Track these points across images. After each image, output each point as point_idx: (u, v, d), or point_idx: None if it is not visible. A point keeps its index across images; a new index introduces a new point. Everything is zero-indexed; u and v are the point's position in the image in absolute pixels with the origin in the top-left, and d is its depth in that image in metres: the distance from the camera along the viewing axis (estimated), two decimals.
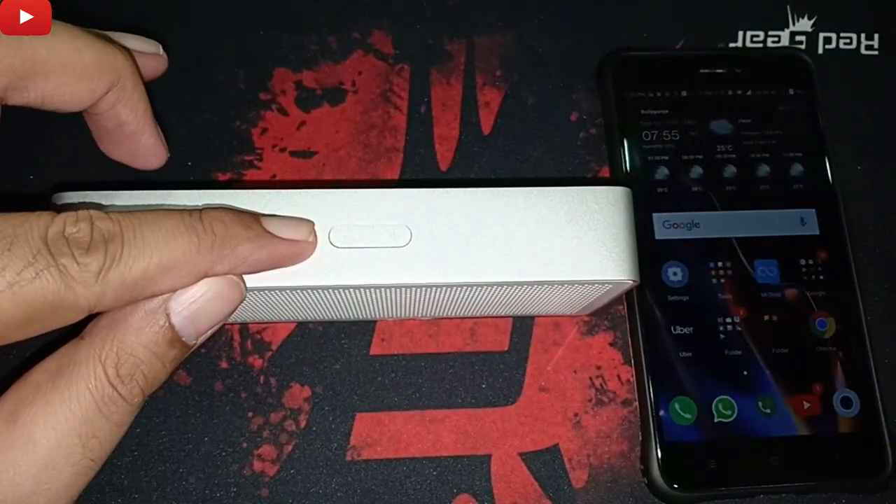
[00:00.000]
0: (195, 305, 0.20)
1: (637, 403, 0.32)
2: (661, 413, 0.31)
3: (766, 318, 0.33)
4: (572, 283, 0.23)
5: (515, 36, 0.38)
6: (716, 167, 0.35)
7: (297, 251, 0.22)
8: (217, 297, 0.20)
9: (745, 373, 0.32)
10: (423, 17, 0.38)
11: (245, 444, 0.31)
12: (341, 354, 0.33)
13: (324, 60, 0.37)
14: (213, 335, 0.22)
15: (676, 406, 0.32)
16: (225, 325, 0.32)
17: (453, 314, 0.30)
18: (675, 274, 0.33)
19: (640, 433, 0.32)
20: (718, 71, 0.37)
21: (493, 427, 0.32)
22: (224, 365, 0.32)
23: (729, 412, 0.32)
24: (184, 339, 0.21)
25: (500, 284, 0.23)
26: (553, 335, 0.33)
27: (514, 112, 0.37)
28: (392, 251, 0.22)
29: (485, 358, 0.33)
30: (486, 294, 0.25)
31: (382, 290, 0.23)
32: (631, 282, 0.24)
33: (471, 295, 0.25)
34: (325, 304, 0.26)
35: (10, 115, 0.26)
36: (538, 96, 0.37)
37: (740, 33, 0.38)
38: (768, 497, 0.31)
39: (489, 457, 0.32)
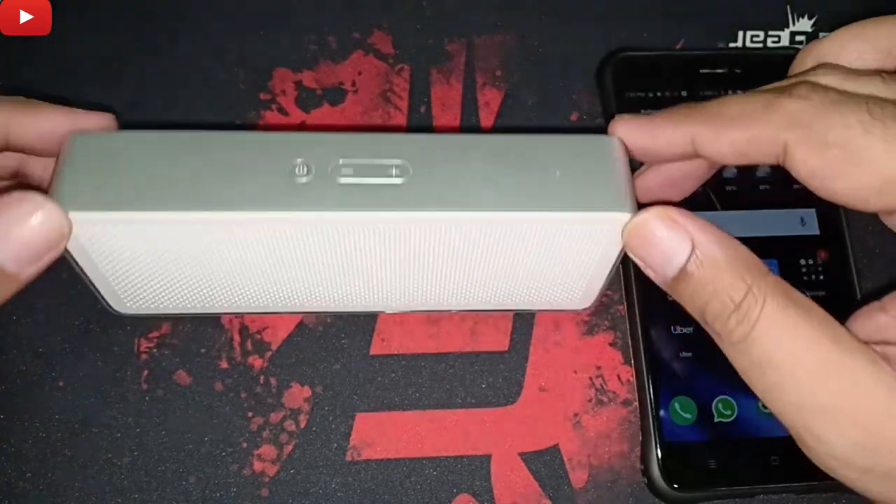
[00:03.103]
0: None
1: (637, 403, 0.32)
2: (661, 413, 0.31)
3: None
4: (571, 219, 0.23)
5: (515, 36, 0.38)
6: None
7: (95, 120, 0.24)
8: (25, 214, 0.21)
9: None
10: (423, 17, 0.38)
11: (245, 444, 0.31)
12: (341, 354, 0.33)
13: (324, 60, 0.37)
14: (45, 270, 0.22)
15: (676, 406, 0.32)
16: (225, 325, 0.32)
17: (450, 296, 0.29)
18: None
19: (640, 433, 0.32)
20: (718, 71, 0.37)
21: (493, 427, 0.32)
22: (224, 365, 0.32)
23: (729, 412, 0.32)
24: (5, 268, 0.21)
25: (499, 221, 0.23)
26: (553, 335, 0.33)
27: (514, 112, 0.37)
28: (391, 187, 0.23)
29: (485, 358, 0.33)
30: (482, 248, 0.25)
31: (379, 230, 0.24)
32: (630, 215, 0.24)
33: (467, 250, 0.25)
34: (320, 267, 0.25)
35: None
36: (538, 96, 0.37)
37: (740, 33, 0.38)
38: (768, 497, 0.31)
39: (489, 457, 0.32)
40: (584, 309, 0.29)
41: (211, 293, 0.27)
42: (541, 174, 0.24)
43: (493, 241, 0.25)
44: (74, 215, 0.22)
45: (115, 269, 0.25)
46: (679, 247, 0.22)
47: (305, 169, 0.23)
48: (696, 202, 0.34)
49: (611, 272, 0.27)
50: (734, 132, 0.22)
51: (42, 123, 0.23)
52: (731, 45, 0.38)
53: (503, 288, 0.28)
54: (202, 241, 0.24)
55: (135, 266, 0.25)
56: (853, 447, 0.20)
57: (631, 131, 0.25)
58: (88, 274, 0.25)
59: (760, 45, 0.39)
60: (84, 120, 0.24)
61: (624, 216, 0.24)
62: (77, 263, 0.24)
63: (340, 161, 0.23)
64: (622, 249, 0.25)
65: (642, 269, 0.24)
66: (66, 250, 0.23)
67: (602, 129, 0.35)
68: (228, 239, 0.24)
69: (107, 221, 0.22)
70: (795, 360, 0.20)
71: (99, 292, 0.26)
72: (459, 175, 0.24)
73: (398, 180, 0.23)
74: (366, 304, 0.29)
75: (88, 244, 0.23)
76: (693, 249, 0.22)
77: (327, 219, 0.23)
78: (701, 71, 0.37)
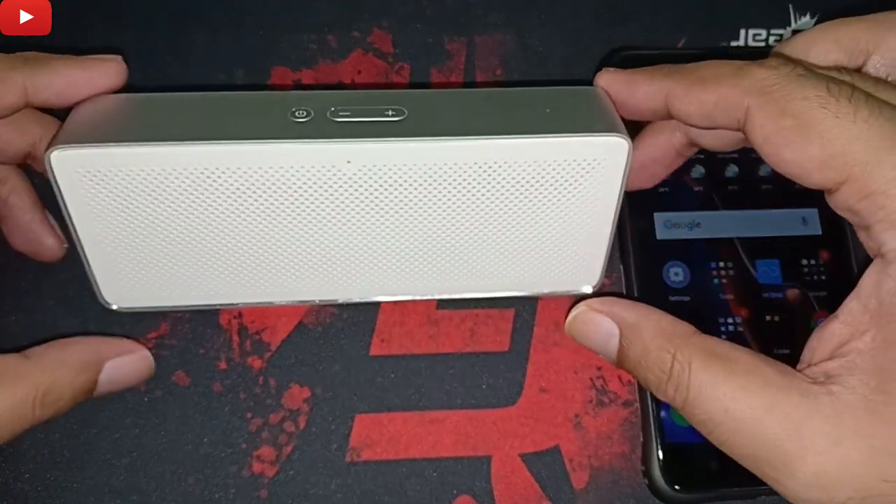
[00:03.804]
0: (120, 371, 0.27)
1: (638, 404, 0.32)
2: (663, 414, 0.31)
3: (768, 318, 0.33)
4: (569, 143, 0.24)
5: (515, 36, 0.38)
6: (717, 167, 0.35)
7: (108, 68, 0.25)
8: (133, 364, 0.28)
9: None
10: (423, 16, 0.38)
11: (244, 445, 0.31)
12: (341, 355, 0.32)
13: (323, 59, 0.36)
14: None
15: None
16: (223, 326, 0.32)
17: (448, 263, 0.28)
18: (676, 274, 0.33)
19: (641, 434, 0.32)
20: None
21: (493, 428, 0.32)
22: (223, 366, 0.32)
23: None
24: (95, 393, 0.26)
25: (500, 147, 0.24)
26: (553, 335, 0.33)
27: None
28: (388, 123, 0.23)
29: (485, 358, 0.33)
30: (480, 187, 0.25)
31: (377, 167, 0.24)
32: (627, 143, 0.24)
33: (464, 192, 0.25)
34: (316, 225, 0.25)
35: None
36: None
37: (742, 32, 0.38)
38: (770, 498, 0.31)
39: (489, 458, 0.32)
40: (592, 288, 0.29)
41: (206, 268, 0.26)
42: (534, 111, 0.24)
43: (492, 178, 0.25)
44: (75, 151, 0.22)
45: (113, 234, 0.25)
46: (610, 329, 0.25)
47: (304, 113, 0.23)
48: (697, 202, 0.34)
49: (612, 228, 0.27)
50: (704, 92, 0.23)
51: (59, 81, 0.24)
52: (733, 43, 0.38)
53: (504, 251, 0.27)
54: (198, 182, 0.23)
55: (131, 226, 0.25)
56: (808, 487, 0.20)
57: (613, 83, 0.26)
58: (85, 245, 0.25)
59: (762, 44, 0.38)
60: (97, 71, 0.25)
61: (622, 141, 0.24)
62: (75, 230, 0.24)
63: (338, 106, 0.24)
64: (620, 197, 0.26)
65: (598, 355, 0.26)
66: (67, 213, 0.24)
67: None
68: (225, 180, 0.23)
69: (105, 155, 0.22)
70: (730, 415, 0.21)
71: (96, 279, 0.26)
72: (455, 114, 0.24)
73: (395, 118, 0.23)
74: (363, 283, 0.28)
75: (89, 196, 0.23)
76: (621, 332, 0.24)
77: (325, 150, 0.23)
78: None
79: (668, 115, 0.25)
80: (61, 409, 0.25)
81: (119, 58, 0.25)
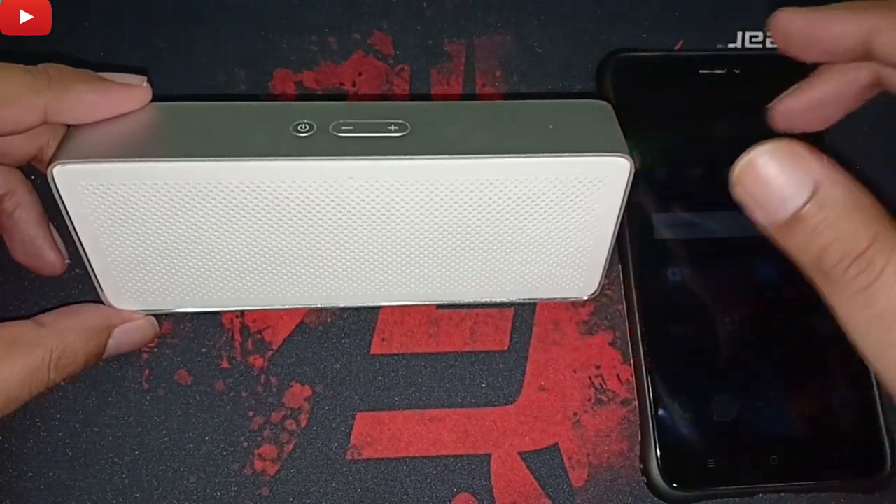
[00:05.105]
0: (128, 336, 0.28)
1: (636, 403, 0.33)
2: (661, 412, 0.32)
3: (766, 317, 0.33)
4: (570, 163, 0.24)
5: (515, 36, 0.38)
6: (715, 167, 0.35)
7: (131, 94, 0.24)
8: (139, 329, 0.28)
9: (745, 372, 0.32)
10: (424, 17, 0.38)
11: (246, 444, 0.31)
12: (342, 354, 0.33)
13: (324, 61, 0.37)
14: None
15: (675, 405, 0.32)
16: (225, 325, 0.32)
17: (448, 274, 0.28)
18: (674, 274, 0.33)
19: (639, 432, 0.32)
20: (717, 71, 0.37)
21: (492, 426, 0.32)
22: (225, 365, 0.32)
23: (728, 411, 0.32)
24: (104, 356, 0.27)
25: (497, 165, 0.24)
26: (553, 335, 0.33)
27: None
28: (391, 139, 0.23)
29: (484, 357, 0.33)
30: (481, 203, 0.25)
31: (379, 182, 0.24)
32: (626, 161, 0.24)
33: (465, 208, 0.25)
34: (318, 236, 0.25)
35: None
36: (538, 97, 0.37)
37: (739, 34, 0.39)
38: (767, 497, 0.31)
39: (489, 456, 0.32)
40: (589, 296, 0.29)
41: (208, 275, 0.27)
42: (537, 127, 0.24)
43: (493, 194, 0.25)
44: (77, 166, 0.22)
45: (116, 243, 0.25)
46: (799, 187, 0.20)
47: (307, 127, 0.23)
48: (696, 202, 0.34)
49: (612, 242, 0.27)
50: None
51: (80, 106, 0.24)
52: (731, 45, 0.38)
53: (503, 264, 0.28)
54: (200, 196, 0.24)
55: (134, 236, 0.25)
56: None
57: (797, 21, 0.23)
58: (89, 253, 0.25)
59: (759, 46, 0.39)
60: (121, 95, 0.24)
61: (624, 161, 0.24)
62: (79, 239, 0.24)
63: (341, 120, 0.24)
64: (621, 210, 0.25)
65: (747, 210, 0.21)
66: (70, 223, 0.24)
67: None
68: (227, 195, 0.24)
69: (107, 171, 0.23)
70: None
71: (100, 284, 0.26)
72: (458, 130, 0.24)
73: (397, 134, 0.23)
74: (365, 290, 0.28)
75: (92, 207, 0.23)
76: (815, 191, 0.20)
77: (328, 167, 0.23)
78: (700, 71, 0.37)
79: (860, 58, 0.22)
80: (74, 372, 0.26)
81: (144, 80, 0.25)
